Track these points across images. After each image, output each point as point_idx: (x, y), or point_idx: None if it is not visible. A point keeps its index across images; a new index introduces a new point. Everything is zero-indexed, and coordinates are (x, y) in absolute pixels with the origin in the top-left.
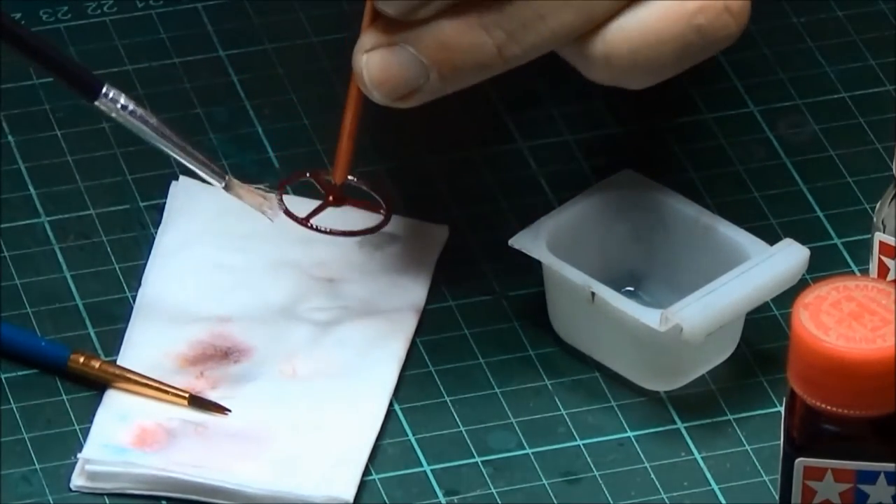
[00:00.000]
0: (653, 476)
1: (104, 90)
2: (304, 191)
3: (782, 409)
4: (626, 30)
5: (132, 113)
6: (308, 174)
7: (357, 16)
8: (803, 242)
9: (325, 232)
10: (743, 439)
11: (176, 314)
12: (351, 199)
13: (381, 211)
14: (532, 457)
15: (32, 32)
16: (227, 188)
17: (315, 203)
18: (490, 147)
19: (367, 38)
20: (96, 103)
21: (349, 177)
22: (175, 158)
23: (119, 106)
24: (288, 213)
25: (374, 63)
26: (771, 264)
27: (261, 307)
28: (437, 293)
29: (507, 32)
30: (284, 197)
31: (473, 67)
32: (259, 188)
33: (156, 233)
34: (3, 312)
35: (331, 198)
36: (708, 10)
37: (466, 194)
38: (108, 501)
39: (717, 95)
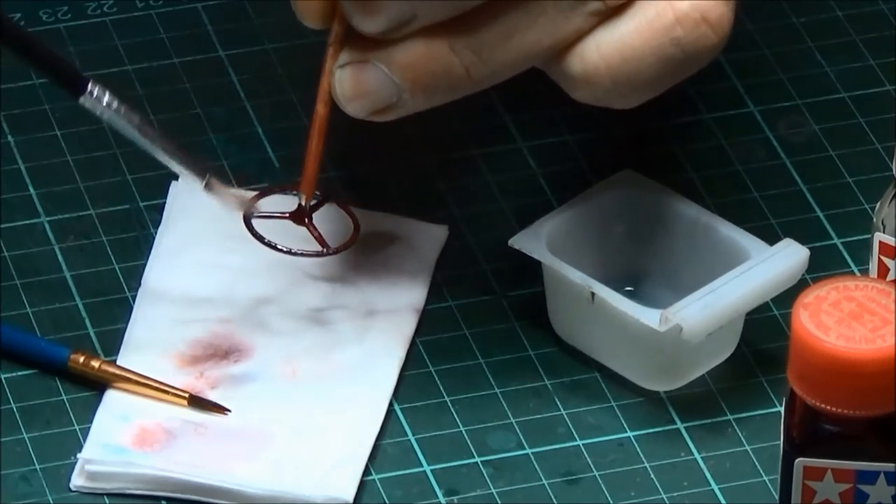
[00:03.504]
0: (653, 476)
1: (89, 87)
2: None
3: (782, 409)
4: (603, 48)
5: (116, 111)
6: (279, 189)
7: None
8: (803, 242)
9: (283, 251)
10: (743, 439)
11: (176, 314)
12: (312, 225)
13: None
14: (532, 457)
15: (20, 27)
16: (207, 188)
17: (282, 221)
18: (490, 147)
19: (343, 54)
20: (80, 100)
21: (315, 192)
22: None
23: (104, 104)
24: (249, 226)
25: (347, 79)
26: (771, 264)
27: (261, 307)
28: (437, 293)
29: (475, 52)
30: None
31: (443, 88)
32: (239, 192)
33: (156, 233)
34: (3, 312)
35: (305, 218)
36: (685, 22)
37: (466, 194)
38: (107, 501)
39: (717, 95)
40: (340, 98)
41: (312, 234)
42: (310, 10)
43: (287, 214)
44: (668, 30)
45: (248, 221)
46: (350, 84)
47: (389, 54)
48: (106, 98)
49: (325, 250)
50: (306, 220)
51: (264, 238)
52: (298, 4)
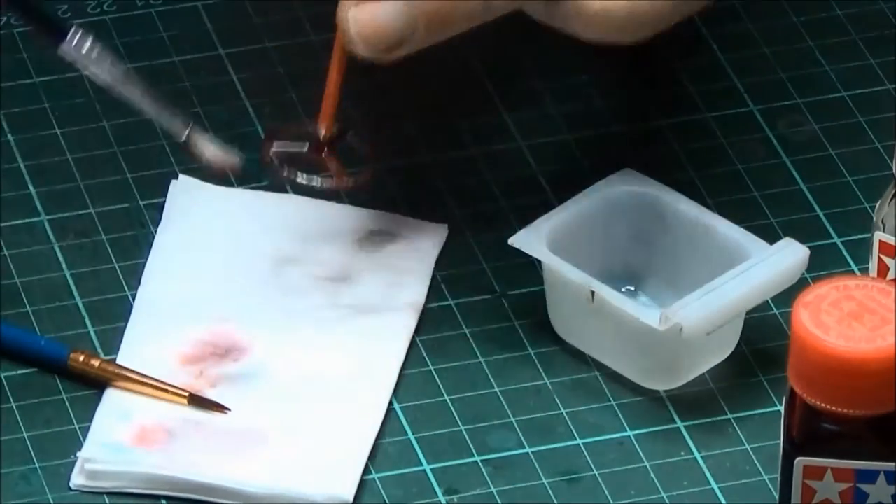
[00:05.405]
0: (653, 475)
1: (70, 34)
2: None
3: (782, 409)
4: None
5: (98, 59)
6: (292, 127)
7: None
8: (803, 242)
9: (309, 186)
10: (743, 439)
11: (175, 313)
12: (330, 156)
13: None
14: (532, 456)
15: None
16: (187, 141)
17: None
18: (490, 146)
19: None
20: (62, 48)
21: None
22: (142, 109)
23: (84, 51)
24: (270, 164)
25: (364, 16)
26: (771, 263)
27: (261, 306)
28: (437, 293)
29: None
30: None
31: (461, 17)
32: (219, 151)
33: (156, 232)
34: (3, 312)
35: (325, 149)
36: None
37: (466, 194)
38: (107, 500)
39: (717, 95)
40: (355, 36)
41: (330, 167)
42: None
43: (305, 147)
44: None
45: (266, 162)
46: (367, 20)
47: None
48: (87, 45)
49: (347, 180)
50: (324, 152)
51: (287, 174)
52: None
